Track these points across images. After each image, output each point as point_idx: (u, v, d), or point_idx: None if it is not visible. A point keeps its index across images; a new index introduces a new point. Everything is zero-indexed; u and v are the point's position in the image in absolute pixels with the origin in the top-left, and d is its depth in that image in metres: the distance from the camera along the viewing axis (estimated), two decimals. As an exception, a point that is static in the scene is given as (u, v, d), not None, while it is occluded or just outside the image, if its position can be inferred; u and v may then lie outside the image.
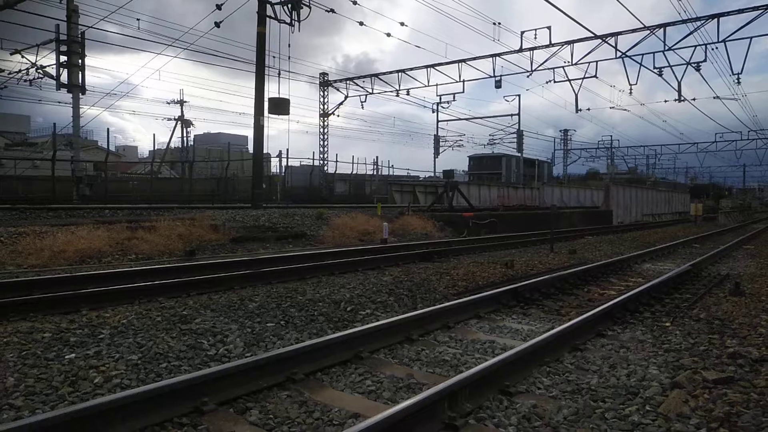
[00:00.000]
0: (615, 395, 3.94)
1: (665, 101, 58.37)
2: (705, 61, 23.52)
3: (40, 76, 23.48)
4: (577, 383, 4.19)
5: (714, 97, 31.32)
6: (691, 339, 5.57)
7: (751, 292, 8.37)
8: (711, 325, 6.17)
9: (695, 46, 23.51)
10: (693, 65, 23.83)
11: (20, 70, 24.16)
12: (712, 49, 23.40)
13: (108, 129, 61.88)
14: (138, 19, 24.05)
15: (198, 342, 4.98)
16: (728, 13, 22.57)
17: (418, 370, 4.49)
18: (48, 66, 22.71)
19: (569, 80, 28.19)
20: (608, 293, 8.30)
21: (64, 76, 21.65)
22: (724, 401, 3.71)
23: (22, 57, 23.64)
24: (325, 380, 4.18)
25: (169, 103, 45.15)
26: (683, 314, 6.77)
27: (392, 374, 4.31)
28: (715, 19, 22.47)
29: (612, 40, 24.49)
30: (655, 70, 24.73)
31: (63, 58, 21.51)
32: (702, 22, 22.75)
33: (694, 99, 29.30)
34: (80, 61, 21.55)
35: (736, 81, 24.59)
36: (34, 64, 23.40)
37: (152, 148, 40.04)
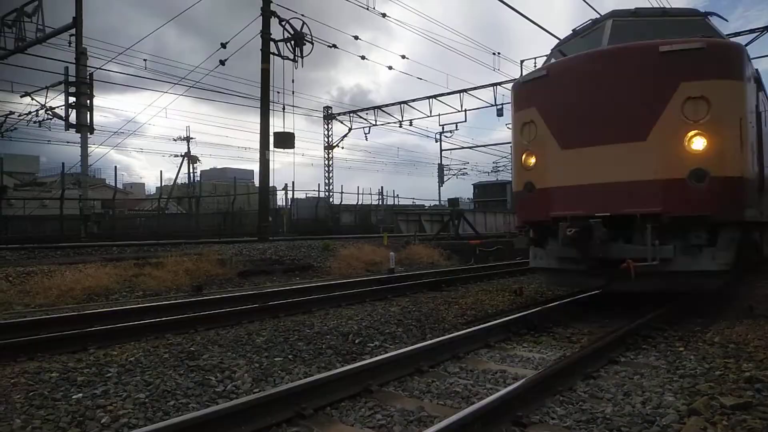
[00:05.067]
0: (631, 424, 3.85)
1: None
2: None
3: (49, 117, 23.93)
4: (591, 412, 4.11)
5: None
6: (706, 364, 5.46)
7: (764, 313, 8.24)
8: (726, 349, 6.06)
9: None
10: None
11: (30, 112, 24.66)
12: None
13: (115, 167, 62.55)
14: (145, 60, 24.62)
15: (205, 378, 4.94)
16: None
17: (429, 402, 4.42)
18: (57, 107, 23.16)
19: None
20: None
21: (72, 116, 22.02)
22: (744, 428, 3.61)
23: (32, 99, 24.13)
24: (334, 415, 4.11)
25: (175, 140, 45.71)
26: (697, 338, 6.66)
27: (403, 407, 4.24)
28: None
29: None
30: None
31: (72, 99, 21.91)
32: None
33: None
34: (88, 101, 21.95)
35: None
36: (43, 106, 23.88)
37: (159, 185, 40.41)
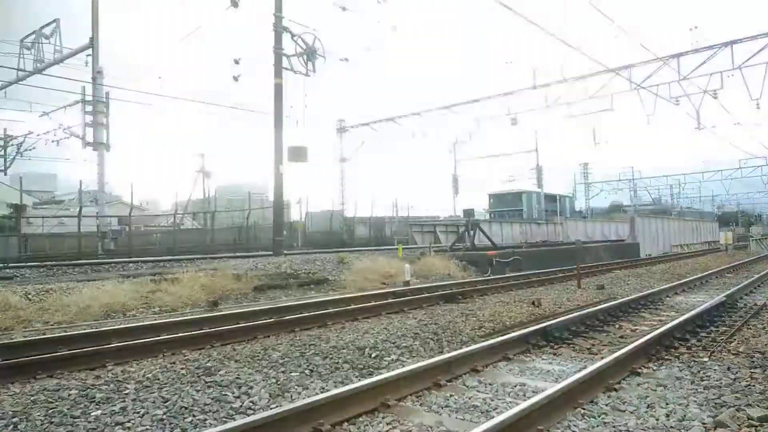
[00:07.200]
0: (656, 438, 3.76)
1: (685, 130, 57.54)
2: (722, 88, 23.40)
3: (67, 136, 24.32)
4: (614, 425, 4.02)
5: (735, 124, 31.08)
6: (731, 374, 5.34)
7: (790, 322, 8.06)
8: (751, 359, 5.92)
9: (711, 74, 23.46)
10: (710, 93, 23.72)
11: (48, 132, 25.09)
12: (729, 76, 23.31)
13: (131, 184, 62.90)
14: (159, 77, 24.99)
15: (222, 394, 4.92)
16: (741, 41, 22.58)
17: (448, 416, 4.36)
18: (74, 126, 23.52)
19: (586, 114, 28.23)
20: (640, 329, 8.05)
21: (89, 135, 22.34)
22: (774, 441, 3.51)
23: (50, 119, 24.57)
24: (352, 430, 4.07)
25: (190, 156, 46.12)
26: (721, 348, 6.52)
27: (421, 422, 4.19)
28: (729, 47, 22.49)
29: (626, 73, 24.58)
30: (672, 100, 24.67)
31: (89, 118, 22.25)
32: (716, 50, 22.78)
33: (713, 126, 29.06)
34: (105, 119, 22.28)
35: (756, 106, 24.35)
36: (61, 125, 24.28)
37: (174, 201, 40.70)
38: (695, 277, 16.00)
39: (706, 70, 23.45)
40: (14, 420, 4.28)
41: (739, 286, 12.70)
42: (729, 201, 75.66)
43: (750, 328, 7.80)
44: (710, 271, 18.11)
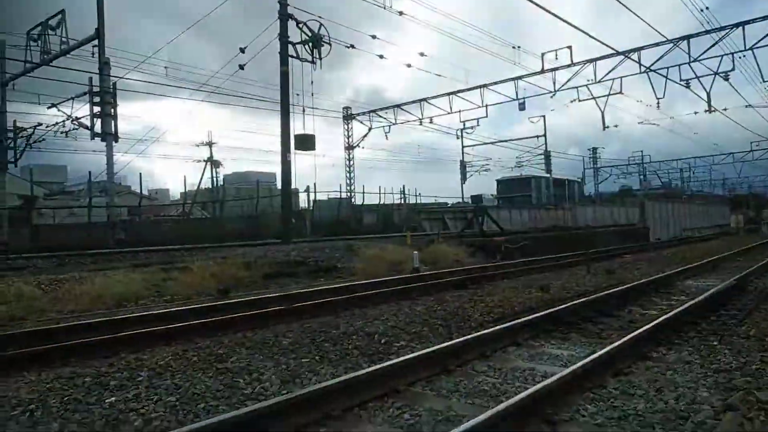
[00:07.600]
0: (664, 421, 3.77)
1: (695, 113, 56.39)
2: (733, 69, 23.07)
3: (76, 127, 24.38)
4: (623, 409, 4.04)
5: (746, 106, 30.68)
6: (741, 358, 5.33)
7: (801, 305, 8.01)
8: (762, 343, 5.90)
9: (722, 56, 23.12)
10: (721, 75, 23.38)
11: (56, 123, 25.15)
12: (740, 57, 22.97)
13: (140, 174, 62.90)
14: (165, 68, 24.86)
15: (234, 381, 4.98)
16: (753, 21, 22.22)
17: (457, 401, 4.39)
18: (82, 117, 23.56)
19: (594, 98, 27.94)
20: (650, 313, 8.04)
21: (97, 126, 22.41)
22: (784, 423, 3.51)
23: (58, 110, 24.63)
24: (363, 416, 4.11)
25: (197, 145, 46.08)
26: (731, 332, 6.50)
27: (431, 407, 4.22)
28: (740, 28, 22.14)
29: (635, 56, 24.29)
30: (682, 83, 24.36)
31: (96, 109, 22.30)
32: (727, 31, 22.43)
33: (725, 109, 28.70)
34: (113, 110, 22.32)
35: (768, 88, 24.01)
36: (69, 116, 24.33)
37: (183, 190, 40.76)
38: (705, 261, 15.92)
39: (717, 52, 23.12)
40: (31, 407, 4.36)
41: (749, 270, 12.63)
42: (740, 184, 74.84)
43: (760, 312, 7.77)
44: (721, 255, 17.99)
